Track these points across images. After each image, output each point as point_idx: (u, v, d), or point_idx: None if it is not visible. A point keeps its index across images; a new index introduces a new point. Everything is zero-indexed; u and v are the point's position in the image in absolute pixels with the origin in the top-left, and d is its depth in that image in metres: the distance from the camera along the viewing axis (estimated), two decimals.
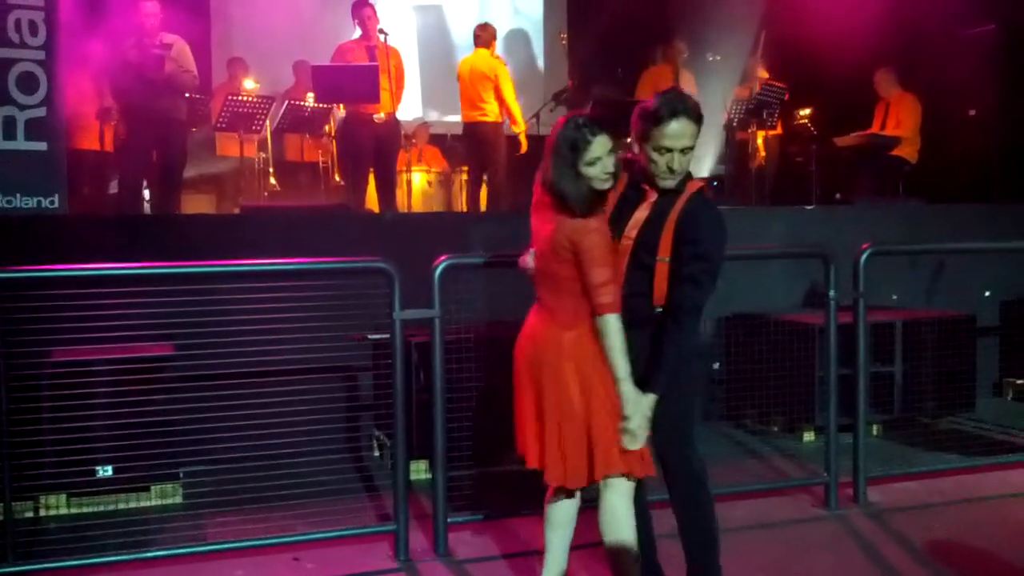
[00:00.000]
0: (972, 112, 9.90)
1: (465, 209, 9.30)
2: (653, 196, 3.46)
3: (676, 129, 3.34)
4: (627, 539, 3.42)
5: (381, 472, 5.54)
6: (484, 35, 8.88)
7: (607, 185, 3.35)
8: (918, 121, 9.17)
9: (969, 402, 6.56)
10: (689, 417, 3.57)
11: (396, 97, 8.16)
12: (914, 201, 8.71)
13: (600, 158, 3.30)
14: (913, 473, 5.41)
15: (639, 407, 3.29)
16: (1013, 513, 4.84)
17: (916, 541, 4.44)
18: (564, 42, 10.51)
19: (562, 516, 3.59)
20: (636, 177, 3.50)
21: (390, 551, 4.32)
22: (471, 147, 8.94)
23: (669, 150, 3.35)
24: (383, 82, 7.73)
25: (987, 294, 7.51)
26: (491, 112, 8.65)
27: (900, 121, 9.16)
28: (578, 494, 3.56)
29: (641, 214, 3.45)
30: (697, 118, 3.39)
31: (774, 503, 4.96)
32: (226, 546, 4.23)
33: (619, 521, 3.42)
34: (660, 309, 3.41)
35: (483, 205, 9.04)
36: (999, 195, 9.25)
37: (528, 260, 3.56)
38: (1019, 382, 7.37)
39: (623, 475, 3.38)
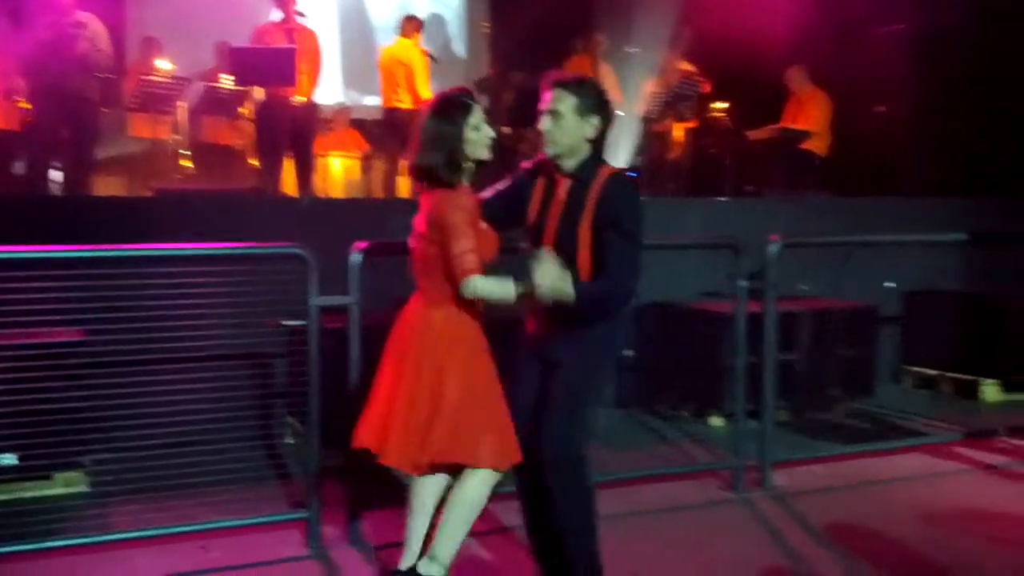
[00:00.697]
0: (882, 108, 10.20)
1: (382, 195, 9.27)
2: (565, 184, 3.52)
3: (547, 95, 3.48)
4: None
5: (294, 459, 5.51)
6: (407, 26, 9.07)
7: (487, 154, 3.43)
8: (828, 116, 9.43)
9: (870, 389, 6.80)
10: (590, 404, 3.57)
11: (313, 80, 8.09)
12: (823, 194, 8.96)
13: (482, 122, 3.41)
14: (816, 457, 5.59)
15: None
16: (908, 496, 5.03)
17: (817, 523, 4.59)
18: (487, 30, 10.53)
19: (422, 500, 3.56)
20: (548, 169, 3.57)
21: (302, 538, 4.31)
22: (389, 132, 8.99)
23: (541, 114, 3.47)
24: (301, 65, 7.65)
25: (891, 285, 7.76)
26: (407, 99, 8.73)
27: (810, 116, 9.41)
28: (443, 478, 3.52)
29: (557, 205, 3.51)
30: (574, 90, 3.46)
31: (684, 487, 5.08)
32: (132, 535, 4.16)
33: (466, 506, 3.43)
34: None
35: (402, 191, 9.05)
36: (904, 189, 9.55)
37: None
38: (916, 370, 7.65)
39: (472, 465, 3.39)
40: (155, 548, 4.16)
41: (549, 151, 3.50)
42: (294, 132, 7.87)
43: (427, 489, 3.54)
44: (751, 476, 5.13)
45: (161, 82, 8.39)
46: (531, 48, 10.37)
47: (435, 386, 3.36)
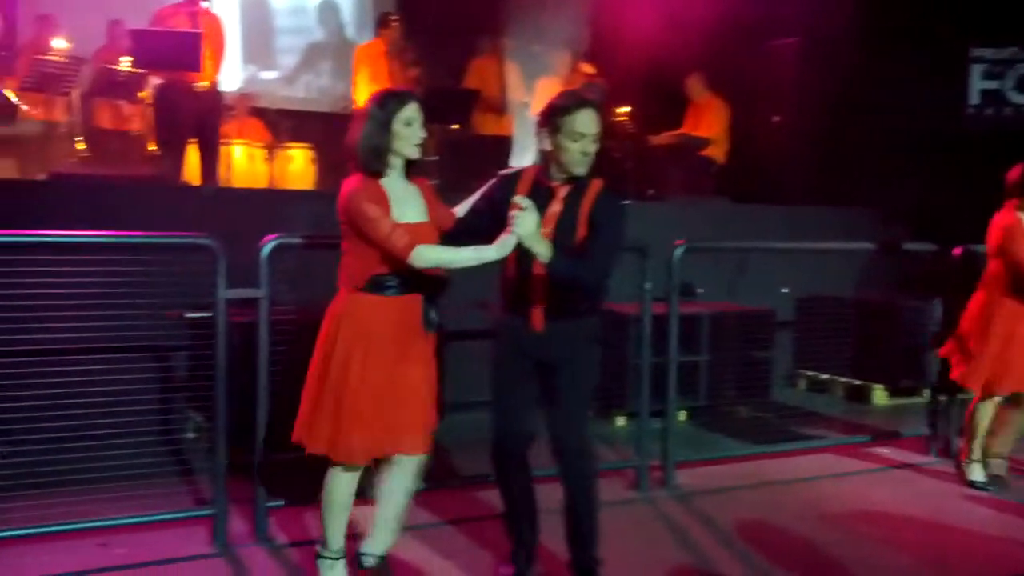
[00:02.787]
0: (777, 118, 10.51)
1: (286, 186, 9.14)
2: (563, 192, 3.69)
3: (586, 117, 3.63)
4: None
5: (197, 455, 5.38)
6: (377, 24, 9.29)
7: (415, 153, 3.54)
8: (726, 124, 9.67)
9: (766, 391, 7.02)
10: (592, 396, 3.92)
11: (216, 66, 7.89)
12: (721, 200, 9.19)
13: (415, 120, 3.51)
14: (716, 458, 5.75)
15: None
16: (803, 495, 5.22)
17: (719, 522, 4.72)
18: (396, 24, 10.43)
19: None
20: (540, 179, 3.72)
21: (207, 536, 4.21)
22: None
23: (583, 135, 3.62)
24: (204, 50, 7.45)
25: (785, 291, 8.01)
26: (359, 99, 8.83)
27: (709, 123, 9.63)
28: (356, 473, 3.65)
29: (554, 209, 3.66)
30: (599, 109, 3.71)
31: None
32: (32, 531, 4.01)
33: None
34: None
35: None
36: (795, 197, 9.87)
37: None
38: (810, 374, 7.93)
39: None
40: (54, 545, 4.02)
41: (582, 170, 3.67)
42: (198, 119, 7.65)
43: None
44: (654, 475, 5.23)
45: (56, 62, 8.06)
46: (441, 45, 10.33)
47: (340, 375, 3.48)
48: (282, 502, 4.47)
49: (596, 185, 3.72)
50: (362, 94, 8.76)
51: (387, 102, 3.49)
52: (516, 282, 3.74)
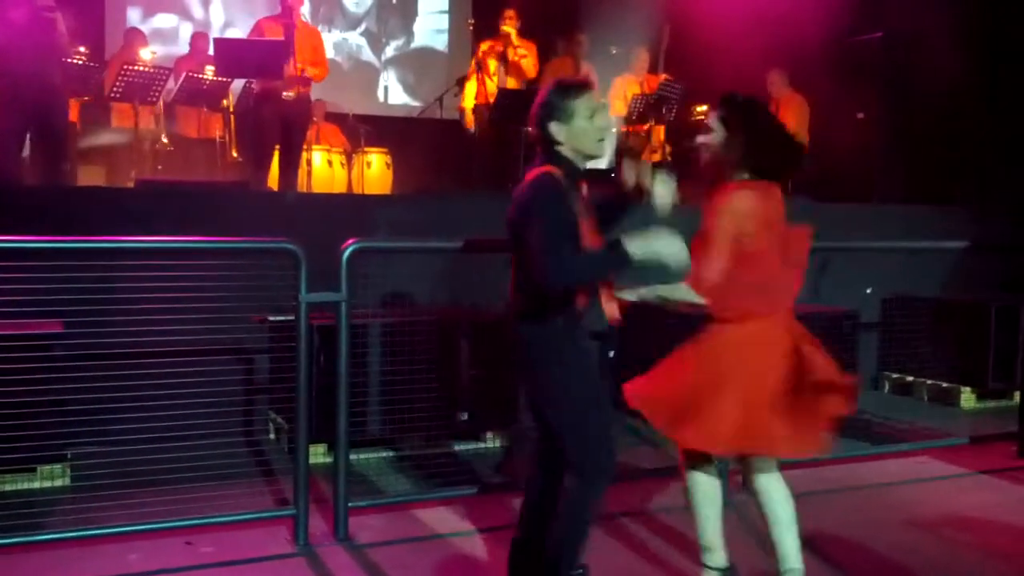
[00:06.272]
0: (860, 115, 10.28)
1: (364, 191, 9.26)
2: None
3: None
4: None
5: (277, 456, 5.47)
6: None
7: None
8: (806, 121, 9.51)
9: None
10: None
11: (314, 77, 7.98)
12: (801, 199, 9.00)
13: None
14: (798, 462, 5.60)
15: None
16: (888, 500, 5.08)
17: (803, 527, 4.57)
18: (471, 28, 10.50)
19: None
20: None
21: (289, 536, 4.27)
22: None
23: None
24: (302, 61, 7.60)
25: (868, 291, 7.83)
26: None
27: (789, 121, 9.44)
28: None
29: None
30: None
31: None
32: (118, 530, 4.11)
33: None
34: None
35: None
36: (881, 196, 9.64)
37: None
38: (895, 376, 7.73)
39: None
40: (140, 543, 4.11)
41: None
42: (284, 128, 7.75)
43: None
44: (734, 480, 5.12)
45: (144, 72, 8.27)
46: None
47: None
48: (361, 502, 4.52)
49: None
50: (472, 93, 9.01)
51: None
52: None
